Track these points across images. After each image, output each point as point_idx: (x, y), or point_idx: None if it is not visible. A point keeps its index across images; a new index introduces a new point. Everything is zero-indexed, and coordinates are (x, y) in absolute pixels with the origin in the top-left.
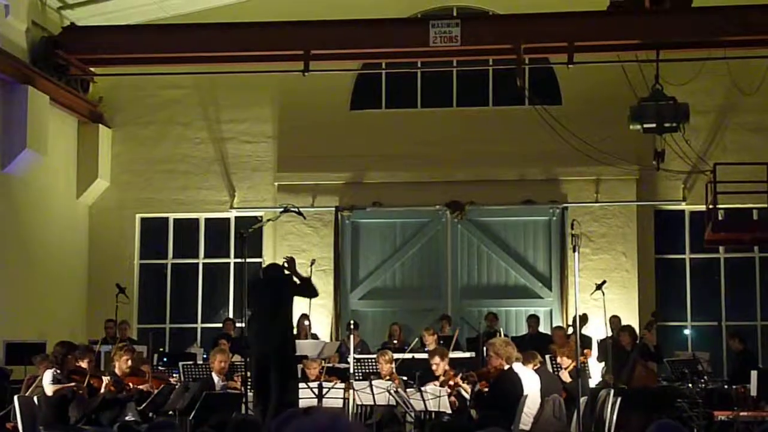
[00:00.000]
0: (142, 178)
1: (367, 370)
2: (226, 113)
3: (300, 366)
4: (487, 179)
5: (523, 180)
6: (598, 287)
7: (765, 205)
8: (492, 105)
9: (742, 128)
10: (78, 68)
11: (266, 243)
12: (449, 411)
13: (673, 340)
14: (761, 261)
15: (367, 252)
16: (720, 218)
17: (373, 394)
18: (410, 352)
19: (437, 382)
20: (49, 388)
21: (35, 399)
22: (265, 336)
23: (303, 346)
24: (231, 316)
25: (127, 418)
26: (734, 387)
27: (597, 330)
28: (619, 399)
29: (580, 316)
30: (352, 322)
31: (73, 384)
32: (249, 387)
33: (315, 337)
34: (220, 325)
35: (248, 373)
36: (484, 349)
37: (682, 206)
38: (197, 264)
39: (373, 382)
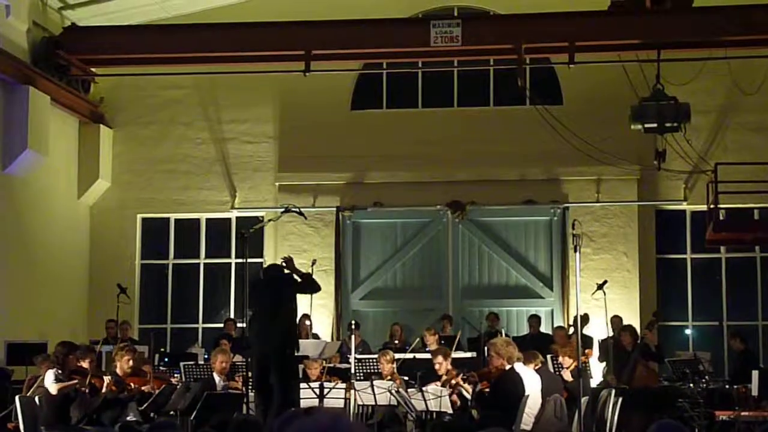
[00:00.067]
0: (143, 179)
1: (369, 370)
2: (227, 113)
3: (301, 366)
4: (488, 179)
5: (524, 180)
6: (599, 287)
7: (766, 205)
8: (493, 105)
9: (743, 128)
10: (79, 68)
11: (267, 243)
12: (450, 411)
13: (674, 340)
14: (762, 261)
15: (368, 252)
16: (721, 218)
17: (374, 394)
18: (411, 352)
19: (438, 382)
20: (53, 387)
21: (37, 399)
22: (266, 336)
23: (304, 346)
24: (232, 316)
25: (128, 418)
26: (735, 387)
27: (598, 330)
28: (620, 399)
29: (581, 316)
30: (353, 322)
31: (76, 381)
32: (250, 387)
33: (316, 337)
34: (221, 325)
35: (249, 374)
36: (486, 349)
37: (684, 206)
38: (198, 264)
39: (375, 382)
